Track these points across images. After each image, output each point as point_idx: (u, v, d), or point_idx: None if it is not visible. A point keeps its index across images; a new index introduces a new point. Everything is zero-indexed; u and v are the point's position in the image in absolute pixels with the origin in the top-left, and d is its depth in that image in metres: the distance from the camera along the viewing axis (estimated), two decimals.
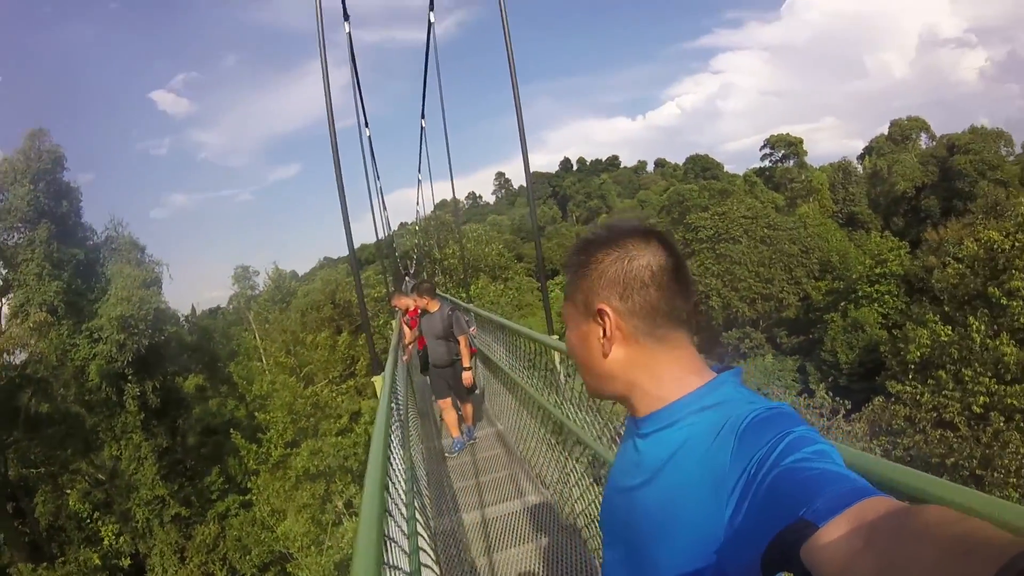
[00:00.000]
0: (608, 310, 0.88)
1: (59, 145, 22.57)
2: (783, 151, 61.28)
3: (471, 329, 7.00)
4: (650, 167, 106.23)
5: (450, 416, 6.20)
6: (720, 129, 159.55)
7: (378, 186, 18.91)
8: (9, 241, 22.70)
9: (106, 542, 21.12)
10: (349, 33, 9.35)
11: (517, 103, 5.08)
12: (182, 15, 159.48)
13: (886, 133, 56.61)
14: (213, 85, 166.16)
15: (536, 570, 3.88)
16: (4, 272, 23.50)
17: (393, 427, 3.39)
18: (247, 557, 19.55)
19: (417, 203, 28.95)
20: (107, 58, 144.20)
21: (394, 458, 2.92)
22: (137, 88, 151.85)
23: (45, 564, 18.87)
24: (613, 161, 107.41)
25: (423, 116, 15.57)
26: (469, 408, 6.45)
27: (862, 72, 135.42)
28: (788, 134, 63.03)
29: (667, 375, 0.89)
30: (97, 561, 19.89)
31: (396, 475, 2.89)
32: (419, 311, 6.32)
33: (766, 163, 64.63)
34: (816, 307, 31.89)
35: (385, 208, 24.78)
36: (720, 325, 33.55)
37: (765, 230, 33.48)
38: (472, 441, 6.40)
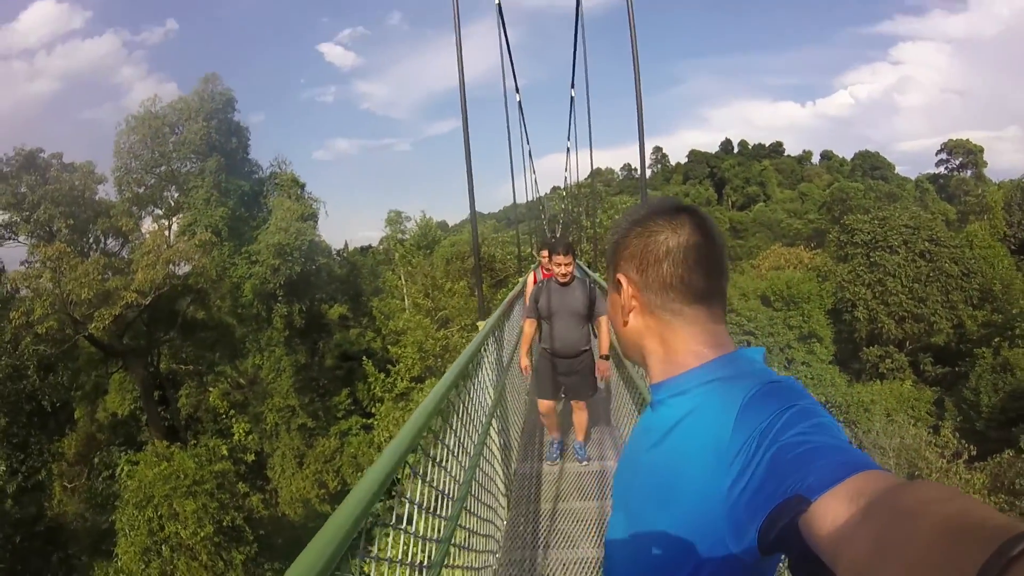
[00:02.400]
0: (624, 281, 0.98)
1: (230, 88, 26.04)
2: (960, 158, 56.22)
3: None
4: (815, 158, 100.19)
5: (550, 419, 5.24)
6: (895, 125, 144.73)
7: (527, 149, 20.16)
8: (182, 169, 26.71)
9: (236, 437, 24.61)
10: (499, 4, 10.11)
11: (638, 92, 5.37)
12: None
13: None
14: (378, 40, 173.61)
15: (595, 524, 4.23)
16: (176, 195, 27.81)
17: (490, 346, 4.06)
18: (358, 473, 22.23)
19: (565, 169, 30.00)
20: (278, 12, 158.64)
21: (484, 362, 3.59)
22: (307, 40, 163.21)
23: (179, 444, 22.49)
24: (776, 148, 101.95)
25: (572, 85, 16.47)
26: (584, 417, 5.24)
27: None
28: (968, 140, 57.91)
29: (682, 347, 0.94)
30: (224, 451, 23.03)
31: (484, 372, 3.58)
32: (545, 280, 5.09)
33: (941, 169, 59.63)
34: (969, 338, 29.68)
35: (534, 171, 26.18)
36: (862, 339, 31.95)
37: (926, 243, 30.88)
38: (584, 463, 5.27)
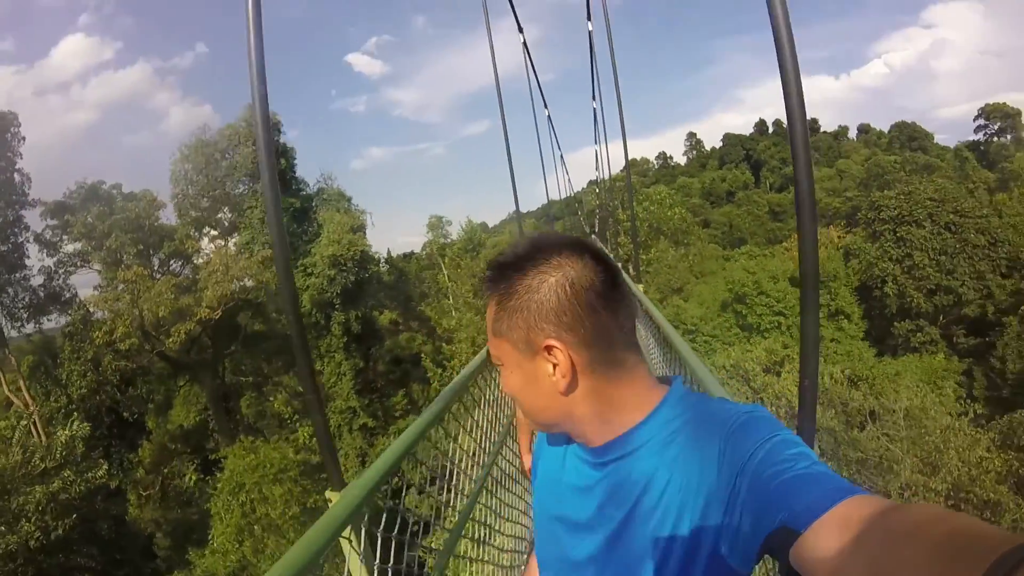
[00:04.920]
0: (558, 345, 0.85)
1: (275, 112, 29.31)
2: (999, 123, 56.99)
3: None
4: (852, 132, 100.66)
5: None
6: (933, 93, 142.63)
7: (555, 143, 21.45)
8: (235, 191, 30.11)
9: (300, 440, 27.99)
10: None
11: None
12: None
13: None
14: (404, 46, 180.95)
15: None
16: (231, 216, 31.22)
17: None
18: (418, 469, 25.25)
19: (596, 165, 31.78)
20: (305, 26, 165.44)
21: None
22: (335, 52, 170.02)
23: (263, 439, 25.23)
24: (812, 125, 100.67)
25: (594, 79, 17.79)
26: None
27: None
28: (1005, 104, 58.54)
29: (629, 400, 0.89)
30: (292, 454, 26.81)
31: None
32: None
33: (980, 136, 60.40)
34: (999, 307, 30.87)
35: (566, 167, 27.89)
36: (893, 314, 33.42)
37: (951, 215, 32.45)
38: None
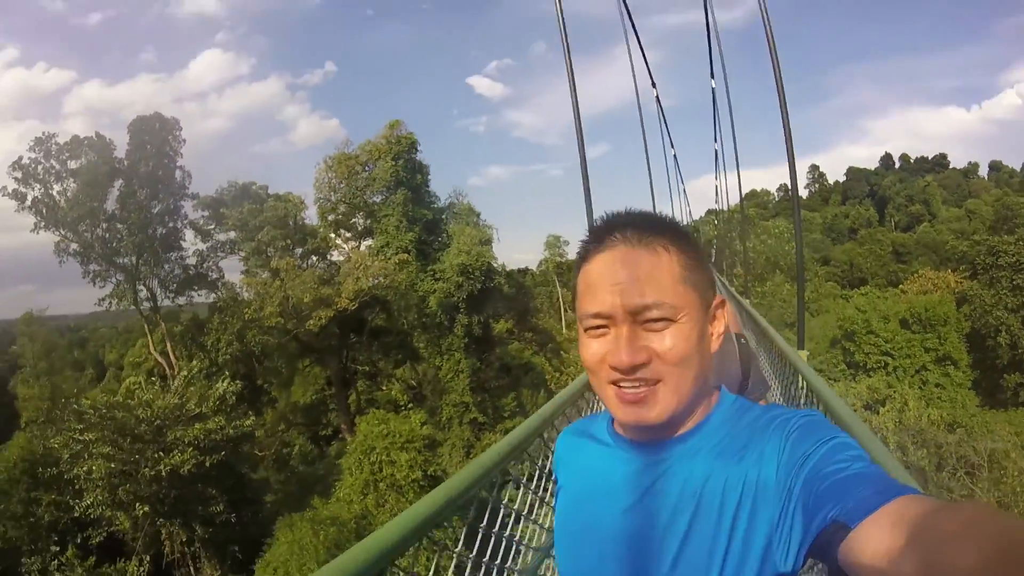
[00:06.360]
0: (725, 302, 0.93)
1: (412, 132, 33.11)
2: None
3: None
4: (983, 170, 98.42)
5: None
6: None
7: (672, 165, 22.48)
8: (371, 200, 34.16)
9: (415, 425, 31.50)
10: (633, 25, 12.86)
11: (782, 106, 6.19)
12: (494, 9, 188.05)
13: None
14: (525, 70, 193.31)
15: None
16: (366, 222, 35.33)
17: None
18: (521, 467, 28.16)
19: (716, 198, 32.39)
20: (429, 49, 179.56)
21: None
22: (458, 74, 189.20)
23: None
24: (941, 161, 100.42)
25: (716, 124, 18.93)
26: None
27: None
28: None
29: (705, 394, 0.97)
30: (418, 428, 28.69)
31: None
32: None
33: None
34: None
35: (685, 193, 28.76)
36: (1004, 365, 32.96)
37: None
38: None
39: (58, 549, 19.78)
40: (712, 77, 15.93)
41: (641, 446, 0.97)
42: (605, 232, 0.94)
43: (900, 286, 46.75)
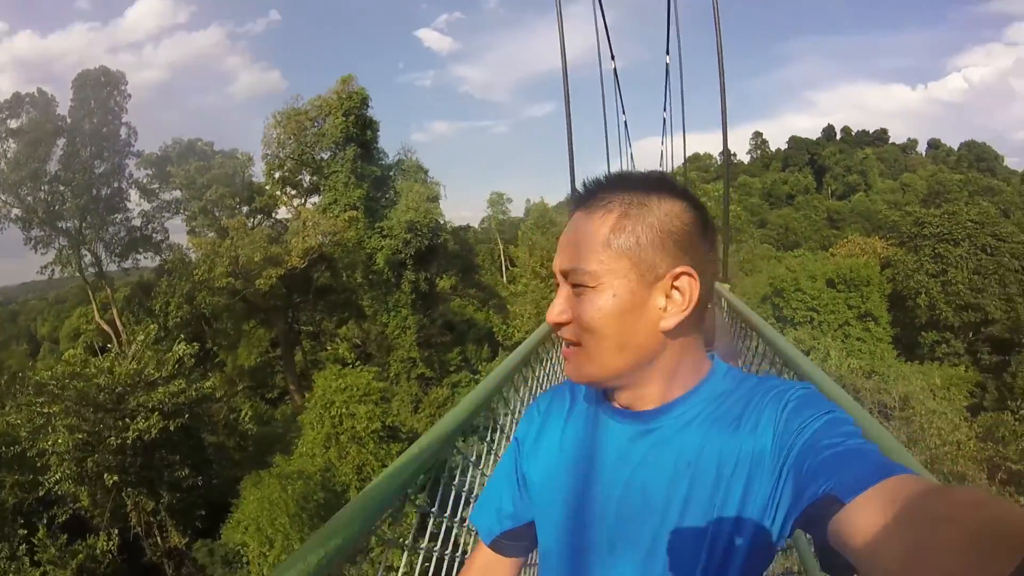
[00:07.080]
0: (693, 275, 0.85)
1: (364, 88, 33.20)
2: None
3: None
4: (921, 147, 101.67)
5: None
6: (1012, 113, 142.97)
7: (623, 121, 22.84)
8: (321, 156, 34.17)
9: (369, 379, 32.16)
10: None
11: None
12: None
13: None
14: (475, 25, 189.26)
15: None
16: (310, 178, 35.32)
17: None
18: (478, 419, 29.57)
19: (660, 154, 33.46)
20: (378, 0, 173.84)
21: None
22: (405, 26, 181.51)
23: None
24: (881, 135, 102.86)
25: (666, 96, 19.70)
26: None
27: None
28: None
29: (693, 363, 0.93)
30: (373, 382, 29.83)
31: None
32: None
33: None
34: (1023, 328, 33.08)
35: (631, 154, 29.79)
36: (922, 324, 35.73)
37: (989, 239, 34.71)
38: None
39: (26, 532, 19.10)
40: (667, 54, 16.51)
41: (627, 412, 0.95)
42: (581, 192, 0.94)
43: (830, 250, 49.24)
